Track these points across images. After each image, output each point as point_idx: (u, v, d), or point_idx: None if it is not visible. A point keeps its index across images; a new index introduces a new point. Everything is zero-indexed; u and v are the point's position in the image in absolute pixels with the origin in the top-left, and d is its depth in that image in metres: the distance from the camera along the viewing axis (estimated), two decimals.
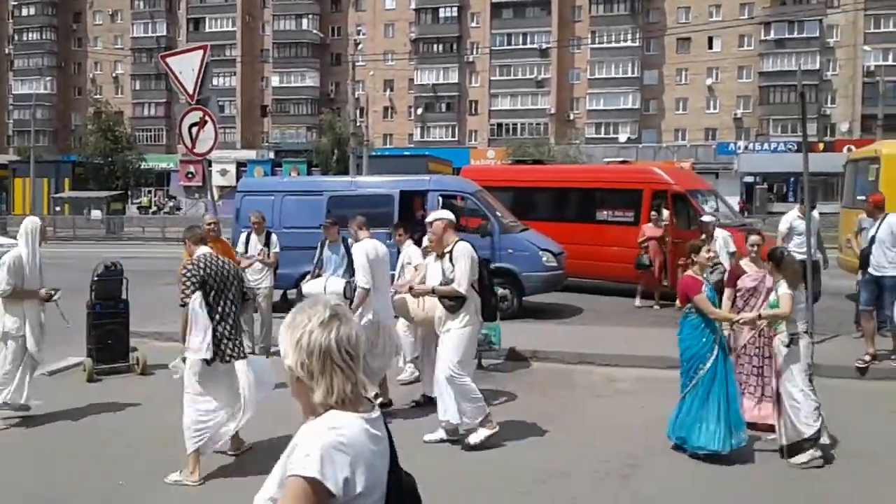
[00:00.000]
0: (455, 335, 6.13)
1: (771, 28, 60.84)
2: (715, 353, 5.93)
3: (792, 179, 54.16)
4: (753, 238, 7.01)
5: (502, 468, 5.72)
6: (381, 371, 7.15)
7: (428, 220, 6.61)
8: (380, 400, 6.86)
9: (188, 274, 5.51)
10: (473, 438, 6.12)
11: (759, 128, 61.59)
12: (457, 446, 6.21)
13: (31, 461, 5.96)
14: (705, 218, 11.63)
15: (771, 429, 6.15)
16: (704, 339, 5.96)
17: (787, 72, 58.78)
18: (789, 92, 58.05)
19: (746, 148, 59.35)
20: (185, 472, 5.44)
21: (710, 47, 62.93)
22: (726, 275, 7.53)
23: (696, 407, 5.88)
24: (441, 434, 6.29)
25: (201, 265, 5.55)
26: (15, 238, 27.30)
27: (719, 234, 11.04)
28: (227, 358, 5.59)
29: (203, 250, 5.76)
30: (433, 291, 6.31)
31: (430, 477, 5.39)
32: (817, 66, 58.41)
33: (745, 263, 6.91)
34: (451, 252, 6.20)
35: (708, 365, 5.90)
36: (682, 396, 6.04)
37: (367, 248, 6.99)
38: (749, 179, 56.53)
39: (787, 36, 60.35)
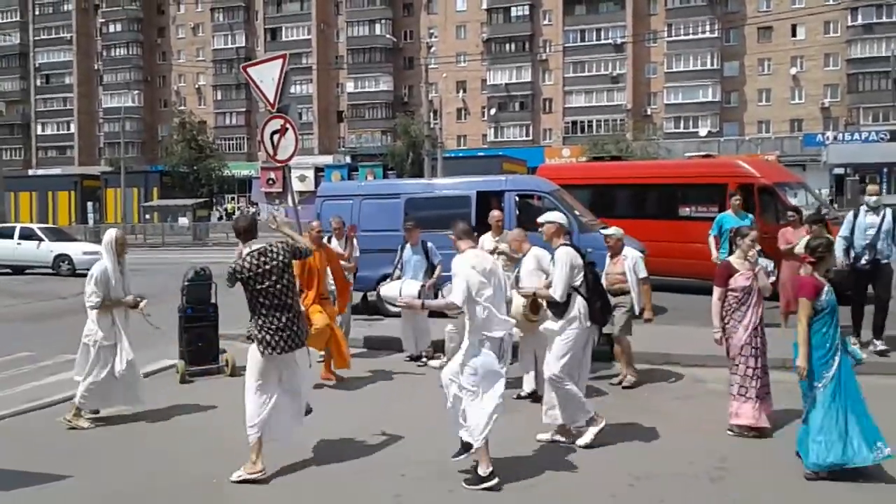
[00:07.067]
0: (558, 339, 6.15)
1: (858, 13, 58.39)
2: (838, 359, 5.44)
3: (885, 170, 51.81)
4: (754, 234, 6.50)
5: (590, 471, 5.64)
6: None
7: (539, 220, 6.56)
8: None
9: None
10: (583, 440, 6.12)
11: (849, 117, 59.16)
12: (552, 446, 6.20)
13: (118, 458, 6.19)
14: (607, 231, 9.13)
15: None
16: (829, 345, 5.45)
17: (876, 58, 56.35)
18: (879, 79, 55.65)
19: (835, 138, 57.04)
20: (248, 465, 5.52)
21: (794, 35, 60.81)
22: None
23: (821, 419, 5.38)
24: (554, 435, 6.27)
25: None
26: None
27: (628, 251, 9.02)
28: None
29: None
30: (535, 295, 6.58)
31: (517, 476, 5.36)
32: None
33: (735, 261, 6.42)
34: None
35: (831, 373, 5.41)
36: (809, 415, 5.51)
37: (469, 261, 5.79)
38: (839, 171, 54.33)
39: (875, 21, 57.83)
